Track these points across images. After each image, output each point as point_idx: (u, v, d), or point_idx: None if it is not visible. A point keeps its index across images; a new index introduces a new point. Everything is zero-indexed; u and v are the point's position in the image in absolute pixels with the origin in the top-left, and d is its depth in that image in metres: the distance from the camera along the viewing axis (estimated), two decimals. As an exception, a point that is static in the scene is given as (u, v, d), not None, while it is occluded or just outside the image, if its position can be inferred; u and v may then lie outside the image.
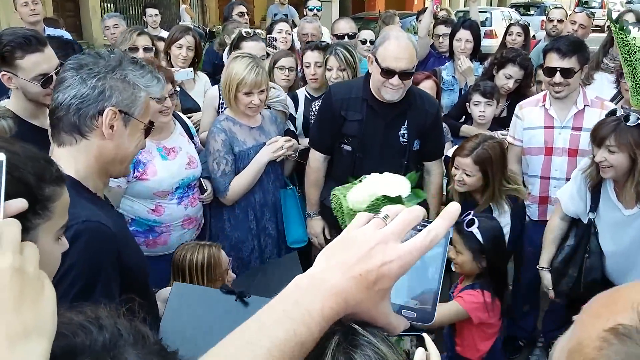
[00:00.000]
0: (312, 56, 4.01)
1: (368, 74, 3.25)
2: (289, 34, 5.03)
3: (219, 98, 3.79)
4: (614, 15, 3.64)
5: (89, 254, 1.56)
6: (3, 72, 2.57)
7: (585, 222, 3.13)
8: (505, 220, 3.24)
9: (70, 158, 1.67)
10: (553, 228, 3.31)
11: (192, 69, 4.33)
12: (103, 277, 1.58)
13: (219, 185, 3.27)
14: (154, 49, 4.14)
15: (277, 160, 3.40)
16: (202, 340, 2.06)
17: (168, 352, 0.81)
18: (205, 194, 3.24)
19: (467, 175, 3.19)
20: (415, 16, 7.02)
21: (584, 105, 3.54)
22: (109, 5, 16.65)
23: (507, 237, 3.26)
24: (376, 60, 3.08)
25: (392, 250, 0.75)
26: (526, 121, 3.67)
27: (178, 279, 2.58)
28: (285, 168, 3.62)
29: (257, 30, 4.15)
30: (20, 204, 0.83)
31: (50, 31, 5.48)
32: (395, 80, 3.03)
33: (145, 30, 4.48)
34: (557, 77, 3.44)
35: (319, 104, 3.79)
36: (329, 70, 3.82)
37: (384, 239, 0.76)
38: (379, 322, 0.80)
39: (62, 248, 1.25)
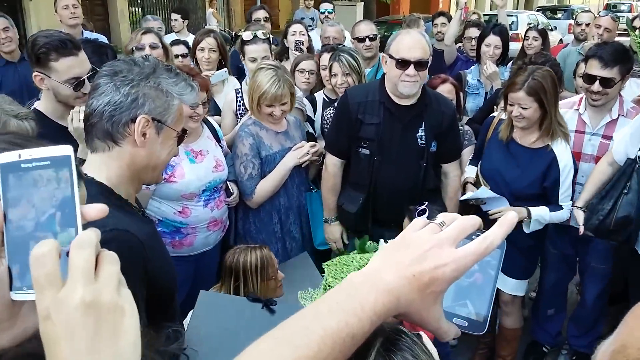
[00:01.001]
0: (327, 59, 4.01)
1: (383, 77, 3.26)
2: (303, 34, 5.06)
3: (236, 101, 3.86)
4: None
5: None
6: (36, 73, 2.63)
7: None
8: (567, 156, 3.24)
9: (102, 165, 1.68)
10: (598, 170, 3.28)
11: (225, 69, 4.35)
12: (130, 288, 1.57)
13: (246, 189, 3.31)
14: (160, 46, 4.15)
15: (303, 166, 3.43)
16: (227, 348, 2.07)
17: (157, 341, 0.80)
18: (232, 197, 3.28)
19: (523, 108, 3.16)
20: (431, 20, 6.99)
21: (618, 115, 3.46)
22: (137, 9, 16.93)
23: (569, 177, 3.26)
24: (390, 57, 3.10)
25: (447, 254, 0.76)
26: None
27: (229, 281, 2.62)
28: (309, 172, 3.64)
29: (257, 32, 4.11)
30: (98, 210, 0.74)
31: (88, 34, 5.61)
32: (411, 70, 3.03)
33: (152, 29, 4.51)
34: (596, 86, 3.35)
35: (331, 109, 3.79)
36: (334, 76, 3.81)
37: (439, 243, 0.76)
38: (429, 325, 0.80)
39: None
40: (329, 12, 7.13)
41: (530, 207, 3.24)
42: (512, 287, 3.50)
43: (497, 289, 3.53)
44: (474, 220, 0.79)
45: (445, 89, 3.82)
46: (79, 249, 0.65)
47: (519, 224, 3.32)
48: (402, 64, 3.04)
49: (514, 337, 3.75)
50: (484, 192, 3.33)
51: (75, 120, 2.51)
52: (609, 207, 3.07)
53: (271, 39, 5.85)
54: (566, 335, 3.99)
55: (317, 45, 5.72)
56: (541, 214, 3.26)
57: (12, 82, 4.36)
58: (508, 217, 0.79)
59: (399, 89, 3.11)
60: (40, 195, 0.67)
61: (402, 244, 0.80)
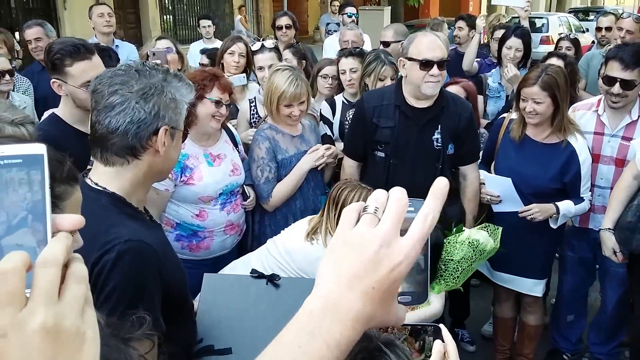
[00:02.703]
0: (347, 63, 4.05)
1: (399, 81, 3.30)
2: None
3: (250, 110, 3.95)
4: None
5: (133, 274, 1.60)
6: (53, 80, 2.72)
7: None
8: (585, 149, 3.31)
9: (116, 175, 1.73)
10: (623, 186, 3.21)
11: (244, 74, 4.43)
12: (146, 298, 1.61)
13: (262, 192, 3.36)
14: (173, 49, 4.30)
15: (318, 168, 3.47)
16: (239, 327, 2.12)
17: (122, 329, 0.81)
18: (248, 200, 3.33)
19: (536, 103, 3.20)
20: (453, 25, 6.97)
21: (638, 116, 3.41)
22: (168, 17, 17.25)
23: (589, 169, 3.33)
24: (411, 59, 3.15)
25: (397, 251, 0.70)
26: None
27: (332, 209, 2.72)
28: (325, 175, 3.68)
29: (266, 42, 4.25)
30: (72, 222, 0.66)
31: (118, 42, 5.78)
32: (435, 70, 3.09)
33: (165, 36, 4.67)
34: (616, 88, 3.31)
35: (351, 112, 3.81)
36: (381, 80, 3.81)
37: (385, 240, 0.70)
38: (389, 322, 0.76)
39: (76, 245, 1.33)
40: (355, 16, 7.31)
41: (557, 203, 3.27)
42: (530, 287, 3.51)
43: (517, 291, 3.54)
44: (405, 198, 0.74)
45: (453, 91, 3.78)
46: (42, 267, 0.59)
47: (544, 222, 3.33)
48: (426, 64, 3.09)
49: (537, 333, 3.76)
50: (487, 176, 3.45)
51: None
52: None
53: (294, 44, 5.95)
54: (587, 342, 3.94)
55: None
56: (567, 207, 3.30)
57: (47, 86, 4.52)
58: (439, 184, 0.75)
59: (422, 90, 3.15)
60: (10, 197, 0.60)
61: (347, 247, 0.72)
